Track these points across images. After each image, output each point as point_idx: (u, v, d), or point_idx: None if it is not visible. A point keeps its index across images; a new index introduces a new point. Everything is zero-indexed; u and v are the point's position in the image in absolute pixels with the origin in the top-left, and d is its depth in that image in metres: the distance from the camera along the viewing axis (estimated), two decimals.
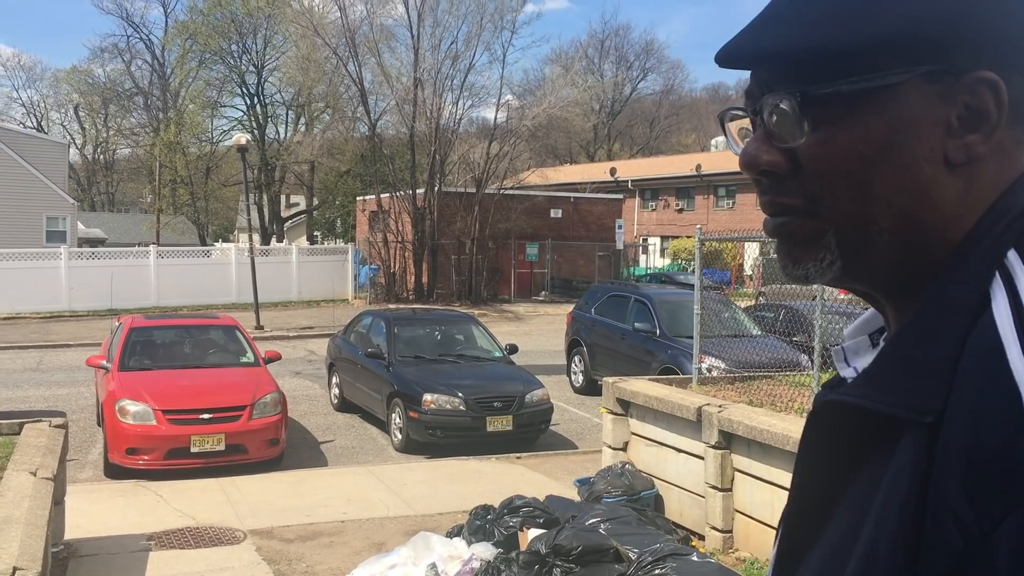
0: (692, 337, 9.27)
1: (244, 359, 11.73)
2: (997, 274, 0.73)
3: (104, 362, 11.26)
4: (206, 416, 10.02)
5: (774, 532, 0.93)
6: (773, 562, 0.89)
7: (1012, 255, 0.73)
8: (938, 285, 0.76)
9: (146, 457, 9.81)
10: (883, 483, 0.72)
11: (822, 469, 0.81)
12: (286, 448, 10.66)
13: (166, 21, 52.65)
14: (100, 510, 8.35)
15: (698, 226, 10.12)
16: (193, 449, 9.88)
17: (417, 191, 31.47)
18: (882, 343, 0.88)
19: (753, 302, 19.44)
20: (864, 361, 0.87)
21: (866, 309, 0.92)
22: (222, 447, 9.97)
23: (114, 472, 9.90)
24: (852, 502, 0.76)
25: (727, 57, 0.83)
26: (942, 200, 0.78)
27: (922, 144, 0.77)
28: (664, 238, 45.92)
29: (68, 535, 7.10)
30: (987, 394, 0.67)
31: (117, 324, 12.71)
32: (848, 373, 0.89)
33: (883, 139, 0.78)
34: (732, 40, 0.84)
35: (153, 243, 35.22)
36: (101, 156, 64.30)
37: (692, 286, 10.30)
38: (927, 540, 0.68)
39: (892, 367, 0.75)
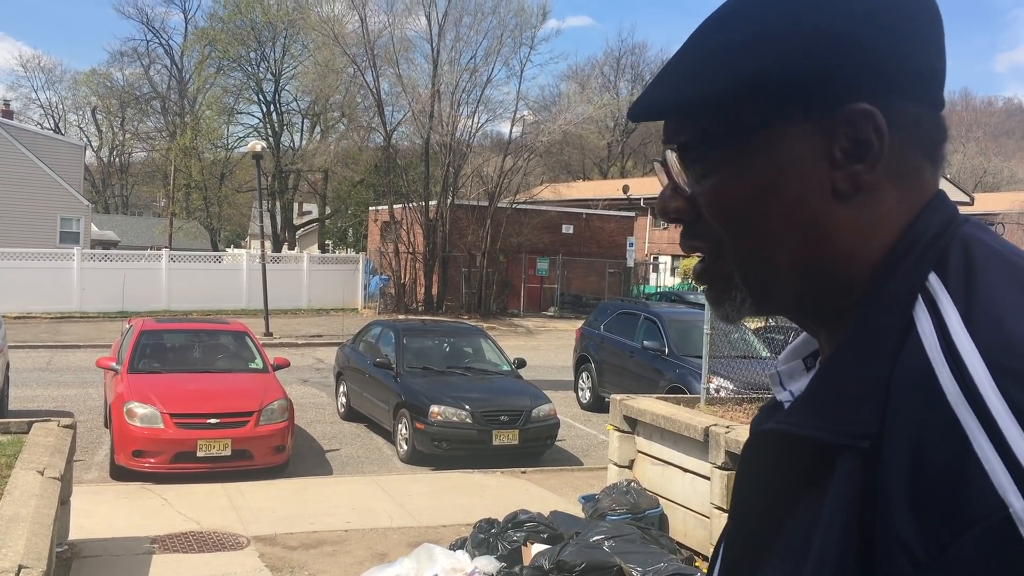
0: (701, 357, 9.26)
1: (253, 365, 11.75)
2: (920, 297, 0.74)
3: (113, 364, 11.30)
4: (213, 421, 10.04)
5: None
6: None
7: (933, 278, 0.75)
8: (861, 311, 0.78)
9: (152, 460, 9.83)
10: (823, 510, 0.73)
11: (761, 497, 0.82)
12: (292, 455, 10.66)
13: (186, 27, 53.11)
14: (105, 511, 8.36)
15: None
16: (199, 453, 9.89)
17: (430, 203, 31.54)
18: (817, 366, 0.89)
19: (763, 324, 19.35)
20: (799, 385, 0.89)
21: None
22: (228, 452, 9.99)
23: (120, 474, 9.92)
24: (794, 531, 0.77)
25: (633, 113, 0.88)
26: (837, 231, 0.80)
27: (808, 180, 0.80)
28: (675, 257, 45.87)
29: (72, 535, 7.11)
30: (923, 418, 0.69)
31: (127, 326, 12.77)
32: (784, 397, 0.91)
33: (767, 180, 0.81)
34: (639, 96, 0.88)
35: (165, 247, 35.41)
36: (116, 159, 64.73)
37: (702, 306, 10.28)
38: (877, 568, 0.69)
39: (824, 394, 0.76)
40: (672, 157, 0.87)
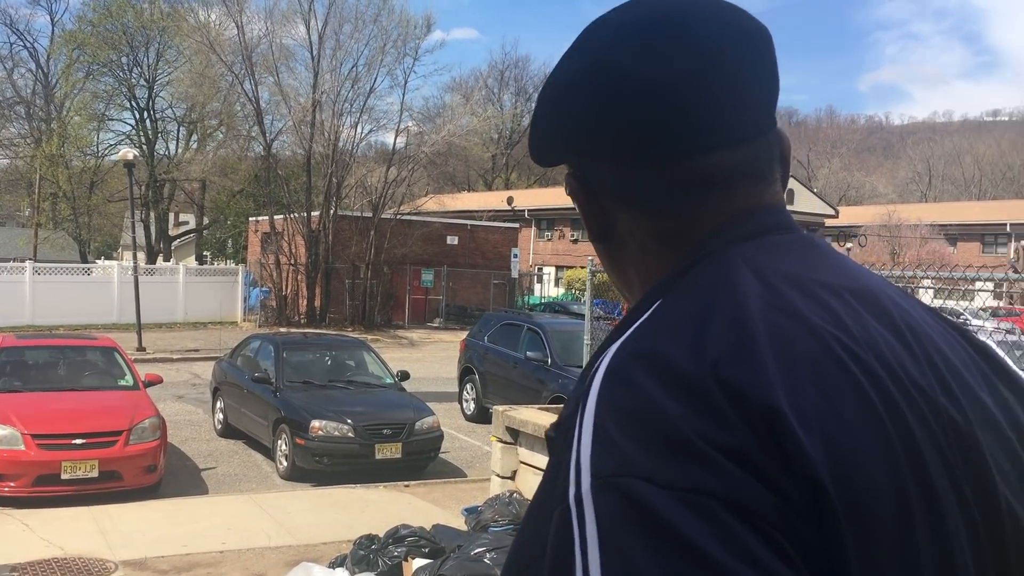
0: (582, 367, 9.37)
1: (122, 382, 11.28)
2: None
3: None
4: (79, 441, 9.58)
5: None
6: None
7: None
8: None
9: (12, 484, 9.31)
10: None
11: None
12: (164, 475, 10.27)
13: (52, 29, 50.74)
14: None
15: (589, 257, 10.26)
16: (64, 476, 9.42)
17: (312, 213, 31.04)
18: None
19: None
20: None
21: None
22: (95, 474, 9.55)
23: None
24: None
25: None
26: (607, 264, 1.02)
27: (584, 225, 1.00)
28: (559, 268, 46.47)
29: None
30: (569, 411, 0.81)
31: None
32: None
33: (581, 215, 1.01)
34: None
35: (30, 259, 33.65)
36: None
37: (584, 316, 10.43)
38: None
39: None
40: None
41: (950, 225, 48.16)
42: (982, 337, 0.96)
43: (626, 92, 0.87)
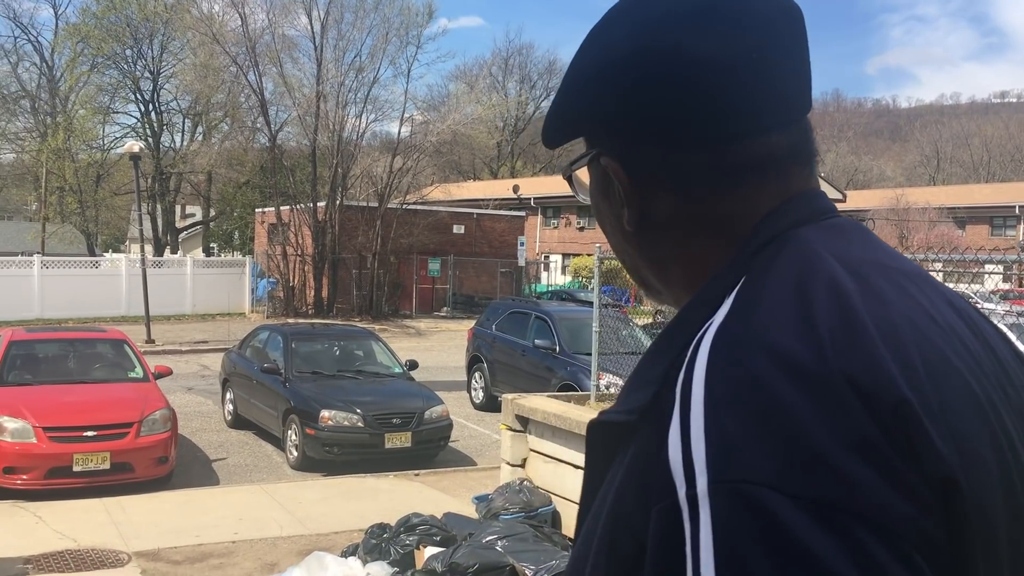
0: (591, 354, 9.38)
1: (132, 374, 11.32)
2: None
3: None
4: (90, 433, 9.62)
5: None
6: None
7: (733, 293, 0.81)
8: (676, 318, 0.86)
9: (25, 476, 9.36)
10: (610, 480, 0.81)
11: (589, 479, 0.89)
12: (175, 466, 10.31)
13: (56, 23, 50.66)
14: None
15: (597, 245, 10.25)
16: (76, 468, 9.46)
17: (318, 204, 31.04)
18: None
19: (651, 320, 19.78)
20: None
21: None
22: (107, 466, 9.59)
23: None
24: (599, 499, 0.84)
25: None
26: (636, 257, 0.95)
27: (607, 214, 0.95)
28: (565, 255, 46.42)
29: None
30: (660, 406, 0.76)
31: None
32: None
33: (595, 205, 0.97)
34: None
35: (38, 252, 33.74)
36: None
37: (592, 303, 10.42)
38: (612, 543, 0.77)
39: (626, 385, 0.85)
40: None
41: (958, 208, 47.90)
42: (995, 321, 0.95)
43: (686, 72, 0.83)
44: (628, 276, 1.00)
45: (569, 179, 1.00)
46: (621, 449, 0.80)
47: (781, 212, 0.86)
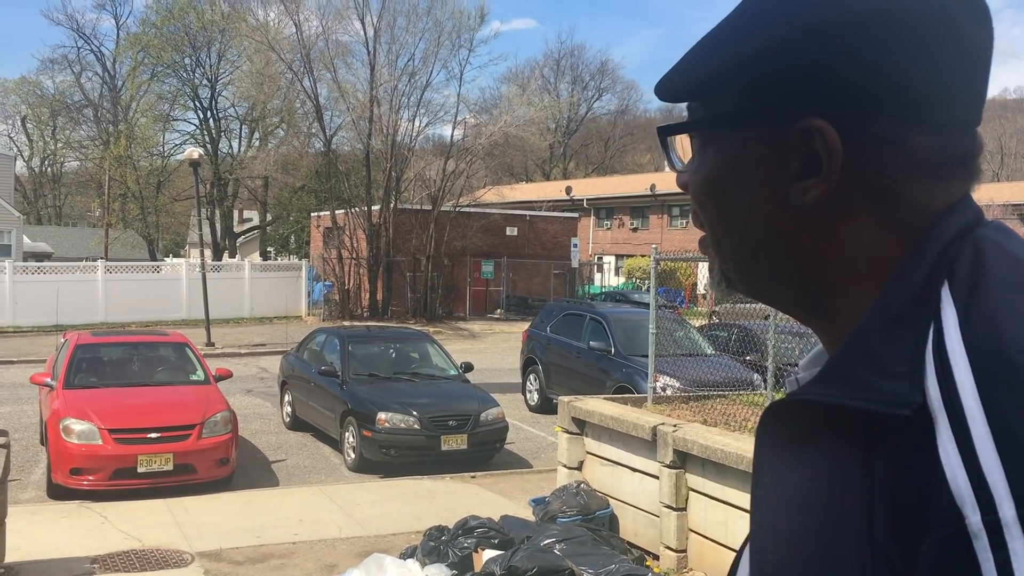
0: (647, 356, 9.31)
1: (194, 377, 11.52)
2: (924, 303, 0.73)
3: (48, 379, 10.98)
4: (154, 435, 9.81)
5: (729, 551, 0.93)
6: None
7: (944, 291, 0.73)
8: (857, 328, 0.75)
9: (91, 477, 9.58)
10: (844, 478, 0.71)
11: (778, 469, 0.80)
12: (236, 468, 10.47)
13: (117, 33, 51.97)
14: (43, 532, 8.12)
15: (653, 245, 10.18)
16: (140, 469, 9.66)
17: (372, 207, 31.32)
18: None
19: (707, 321, 19.60)
20: None
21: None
22: (170, 467, 9.77)
23: (58, 493, 9.64)
24: (812, 493, 0.74)
25: (656, 90, 0.90)
26: (792, 238, 0.81)
27: (762, 186, 0.81)
28: (619, 256, 46.20)
29: (9, 558, 6.88)
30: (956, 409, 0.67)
31: (63, 340, 12.43)
32: None
33: (725, 176, 0.83)
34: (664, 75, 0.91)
35: (101, 258, 34.58)
36: (49, 169, 63.06)
37: (647, 305, 10.35)
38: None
39: (853, 366, 0.73)
40: (684, 136, 0.90)
41: None
42: None
43: (959, 48, 0.77)
44: (715, 270, 0.87)
45: (664, 142, 0.91)
46: (831, 439, 0.73)
47: (957, 211, 0.80)
